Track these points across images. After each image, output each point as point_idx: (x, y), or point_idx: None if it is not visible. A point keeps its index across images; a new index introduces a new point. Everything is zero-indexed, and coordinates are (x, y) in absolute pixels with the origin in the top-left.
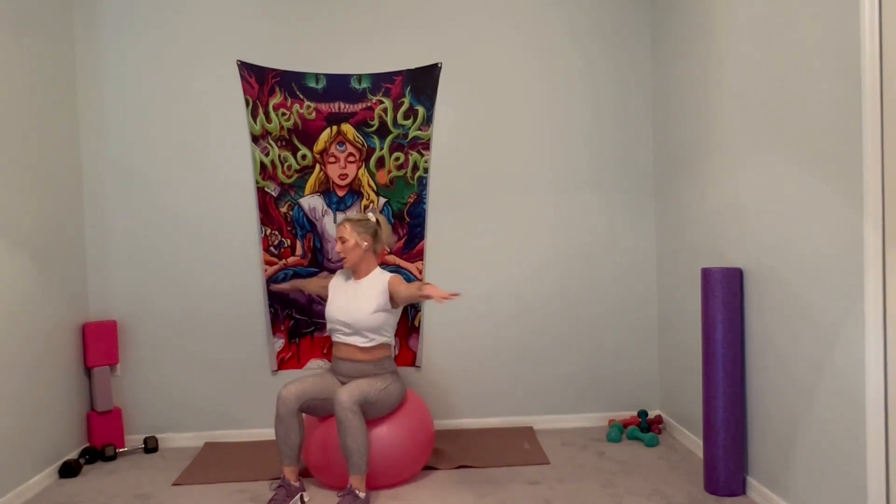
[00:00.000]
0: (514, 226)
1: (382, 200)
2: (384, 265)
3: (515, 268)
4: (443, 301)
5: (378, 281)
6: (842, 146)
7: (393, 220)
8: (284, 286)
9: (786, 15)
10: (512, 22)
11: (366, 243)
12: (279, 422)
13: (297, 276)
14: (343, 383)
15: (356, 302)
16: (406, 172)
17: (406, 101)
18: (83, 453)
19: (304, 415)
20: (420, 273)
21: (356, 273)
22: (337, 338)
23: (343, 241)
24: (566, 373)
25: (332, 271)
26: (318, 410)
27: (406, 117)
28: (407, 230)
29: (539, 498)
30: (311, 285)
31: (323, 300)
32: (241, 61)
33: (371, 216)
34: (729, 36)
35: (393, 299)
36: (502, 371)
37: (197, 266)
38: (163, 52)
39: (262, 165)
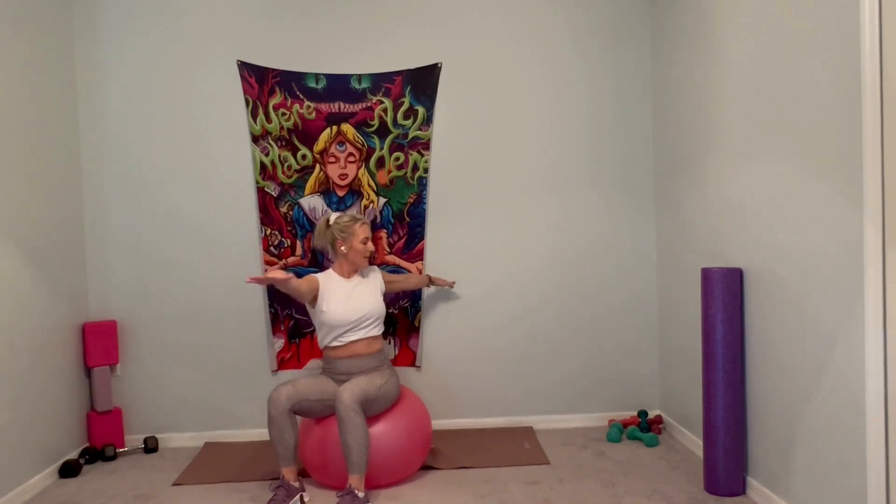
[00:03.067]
0: (514, 226)
1: (382, 200)
2: (384, 265)
3: (515, 268)
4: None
5: (370, 274)
6: (842, 146)
7: (393, 220)
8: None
9: (786, 15)
10: (512, 22)
11: None
12: (271, 424)
13: (297, 276)
14: (342, 381)
15: (363, 296)
16: (406, 172)
17: (406, 101)
18: (83, 453)
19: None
20: (420, 274)
21: (352, 272)
22: (346, 339)
23: (371, 241)
24: (566, 373)
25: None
26: (312, 412)
27: (406, 117)
28: (407, 230)
29: (539, 498)
30: (300, 286)
31: (302, 301)
32: (241, 61)
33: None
34: (729, 36)
35: (385, 290)
36: (502, 371)
37: (197, 266)
38: (163, 51)
39: (262, 165)
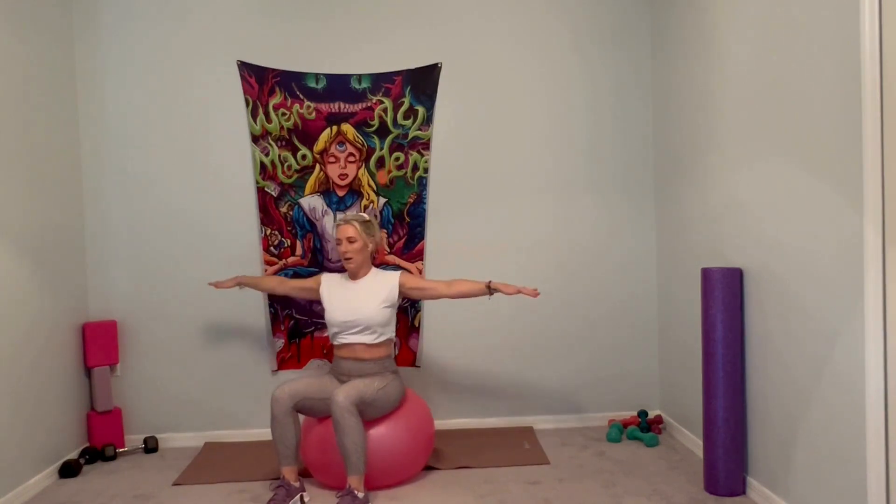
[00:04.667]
0: (514, 226)
1: (382, 200)
2: (384, 265)
3: (515, 267)
4: (517, 294)
5: (381, 278)
6: (842, 146)
7: (393, 220)
8: (226, 283)
9: (786, 15)
10: (512, 22)
11: (371, 245)
12: (274, 422)
13: (297, 276)
14: (343, 382)
15: (361, 300)
16: (406, 172)
17: (406, 101)
18: (83, 453)
19: (300, 415)
20: (420, 273)
21: (356, 274)
22: (341, 339)
23: (352, 241)
24: (566, 373)
25: (332, 272)
26: (315, 411)
27: (406, 117)
28: (407, 230)
29: (539, 498)
30: (268, 283)
31: (309, 300)
32: (241, 61)
33: (368, 216)
34: (729, 36)
35: (404, 296)
36: (502, 371)
37: (197, 266)
38: (163, 51)
39: (262, 165)
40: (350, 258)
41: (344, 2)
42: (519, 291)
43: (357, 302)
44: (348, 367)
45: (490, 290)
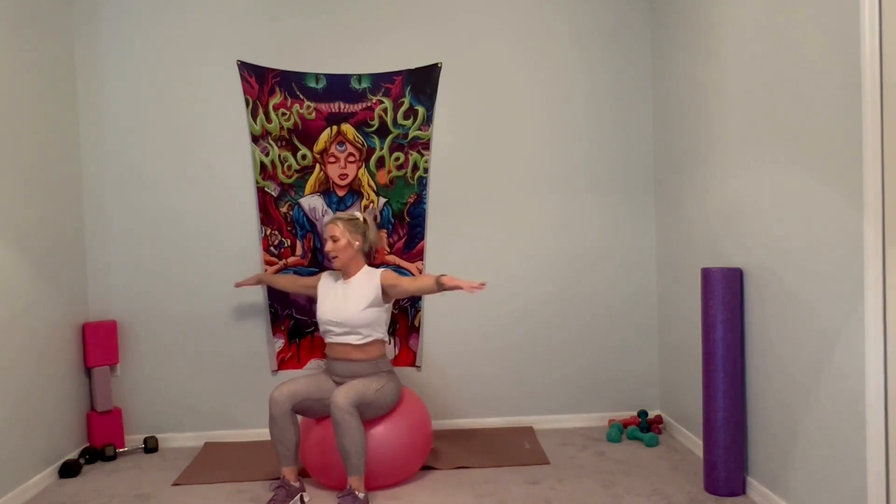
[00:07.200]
0: (514, 226)
1: (382, 200)
2: (384, 265)
3: (515, 268)
4: (472, 291)
5: (368, 278)
6: (842, 146)
7: (393, 220)
8: (250, 280)
9: (786, 15)
10: (512, 22)
11: (357, 243)
12: (273, 423)
13: (297, 276)
14: (338, 383)
15: (347, 301)
16: (406, 172)
17: (406, 101)
18: (83, 453)
19: (298, 415)
20: (420, 273)
21: (346, 273)
22: (331, 339)
23: (335, 239)
24: (566, 373)
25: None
26: (313, 411)
27: (406, 117)
28: (407, 230)
29: (539, 498)
30: (283, 281)
31: (308, 300)
32: (241, 61)
33: (359, 215)
34: (729, 36)
35: (387, 294)
36: (502, 371)
37: (197, 266)
38: (163, 51)
39: (262, 165)
40: (335, 257)
41: (344, 2)
42: (459, 286)
43: (343, 303)
44: (341, 369)
45: (438, 286)
